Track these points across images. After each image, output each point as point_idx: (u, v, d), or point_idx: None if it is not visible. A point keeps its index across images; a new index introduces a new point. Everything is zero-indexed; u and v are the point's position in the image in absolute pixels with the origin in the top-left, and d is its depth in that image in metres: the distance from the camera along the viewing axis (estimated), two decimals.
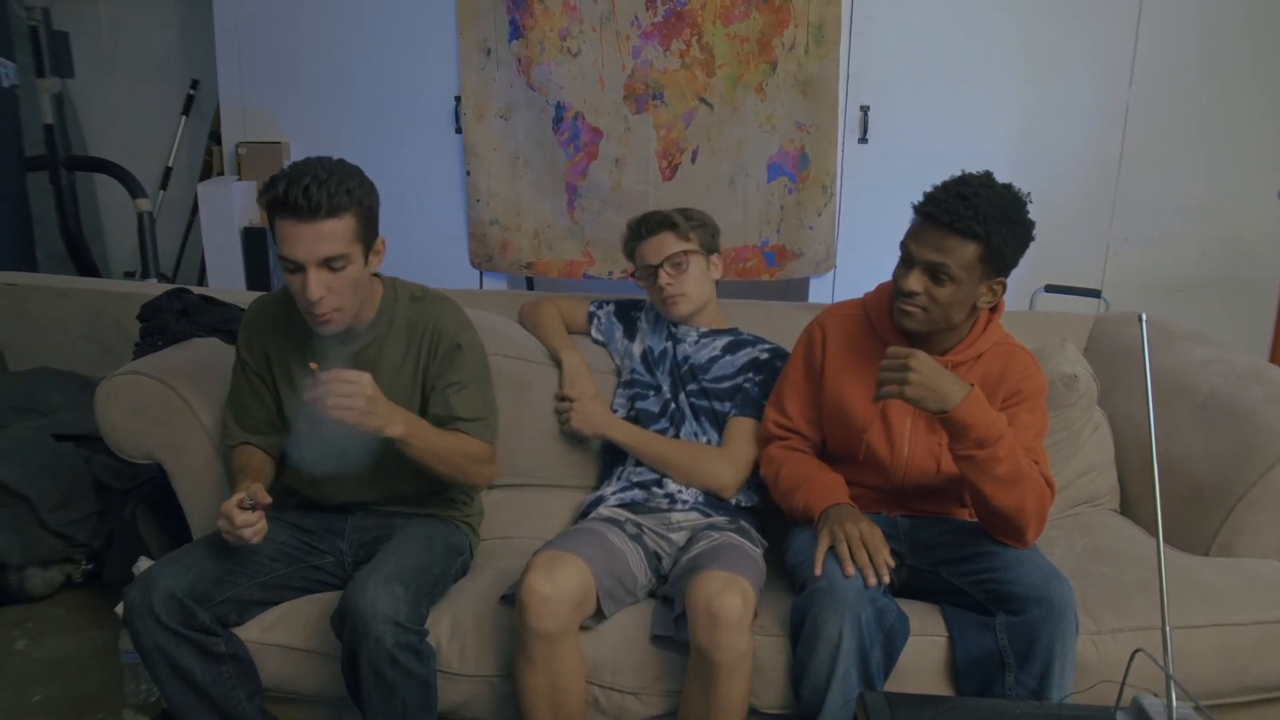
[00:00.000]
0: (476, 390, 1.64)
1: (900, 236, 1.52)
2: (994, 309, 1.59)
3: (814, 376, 1.68)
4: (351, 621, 1.39)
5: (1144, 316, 1.21)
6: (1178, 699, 0.94)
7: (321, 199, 1.38)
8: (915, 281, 1.47)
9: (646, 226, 1.88)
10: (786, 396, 1.70)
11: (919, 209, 1.48)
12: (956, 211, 1.41)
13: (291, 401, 1.62)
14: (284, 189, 1.39)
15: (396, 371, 1.61)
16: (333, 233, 1.41)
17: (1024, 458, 1.47)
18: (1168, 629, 0.97)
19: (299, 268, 1.43)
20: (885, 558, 1.45)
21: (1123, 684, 0.95)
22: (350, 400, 1.39)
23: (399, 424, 1.46)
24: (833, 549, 1.47)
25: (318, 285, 1.42)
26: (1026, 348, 1.63)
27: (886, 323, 1.59)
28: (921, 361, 1.39)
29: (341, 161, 1.48)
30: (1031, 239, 1.50)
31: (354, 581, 1.44)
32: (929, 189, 1.48)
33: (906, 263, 1.50)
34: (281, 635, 1.56)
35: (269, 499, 1.46)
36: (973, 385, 1.42)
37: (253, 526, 1.42)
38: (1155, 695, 0.89)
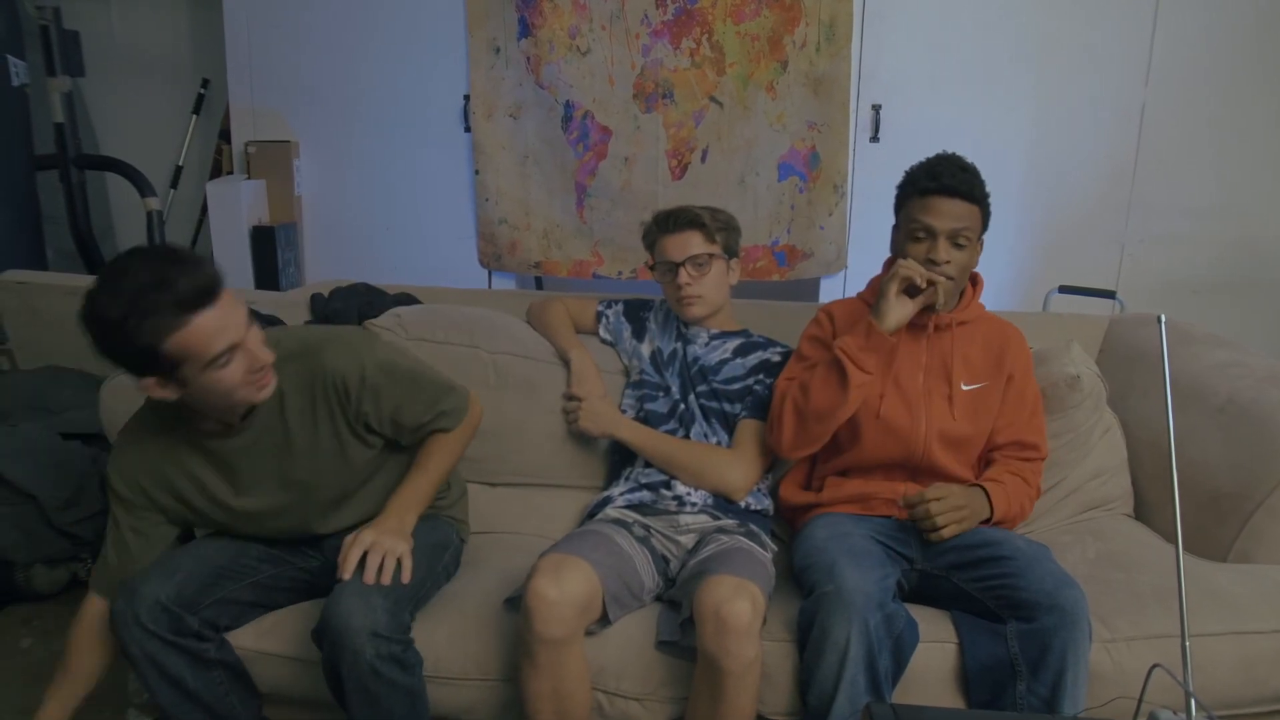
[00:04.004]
0: (413, 388, 1.52)
1: None
2: (974, 281, 1.73)
3: (827, 351, 1.69)
4: (330, 636, 1.36)
5: (1163, 318, 1.18)
6: (1197, 711, 0.92)
7: None
8: (944, 251, 1.57)
9: (675, 221, 1.85)
10: (801, 356, 1.75)
11: (926, 186, 1.58)
12: (968, 181, 1.57)
13: (218, 489, 1.48)
14: None
15: (312, 437, 1.47)
16: None
17: (1023, 491, 1.65)
18: (1187, 643, 0.95)
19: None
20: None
21: (1140, 701, 0.92)
22: None
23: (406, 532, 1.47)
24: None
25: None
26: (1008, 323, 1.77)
27: None
28: (935, 491, 1.56)
29: None
30: None
31: (331, 595, 1.40)
32: (915, 167, 1.62)
33: (929, 236, 1.58)
34: (273, 644, 1.55)
35: None
36: (984, 486, 1.61)
37: None
38: (1174, 712, 0.86)
